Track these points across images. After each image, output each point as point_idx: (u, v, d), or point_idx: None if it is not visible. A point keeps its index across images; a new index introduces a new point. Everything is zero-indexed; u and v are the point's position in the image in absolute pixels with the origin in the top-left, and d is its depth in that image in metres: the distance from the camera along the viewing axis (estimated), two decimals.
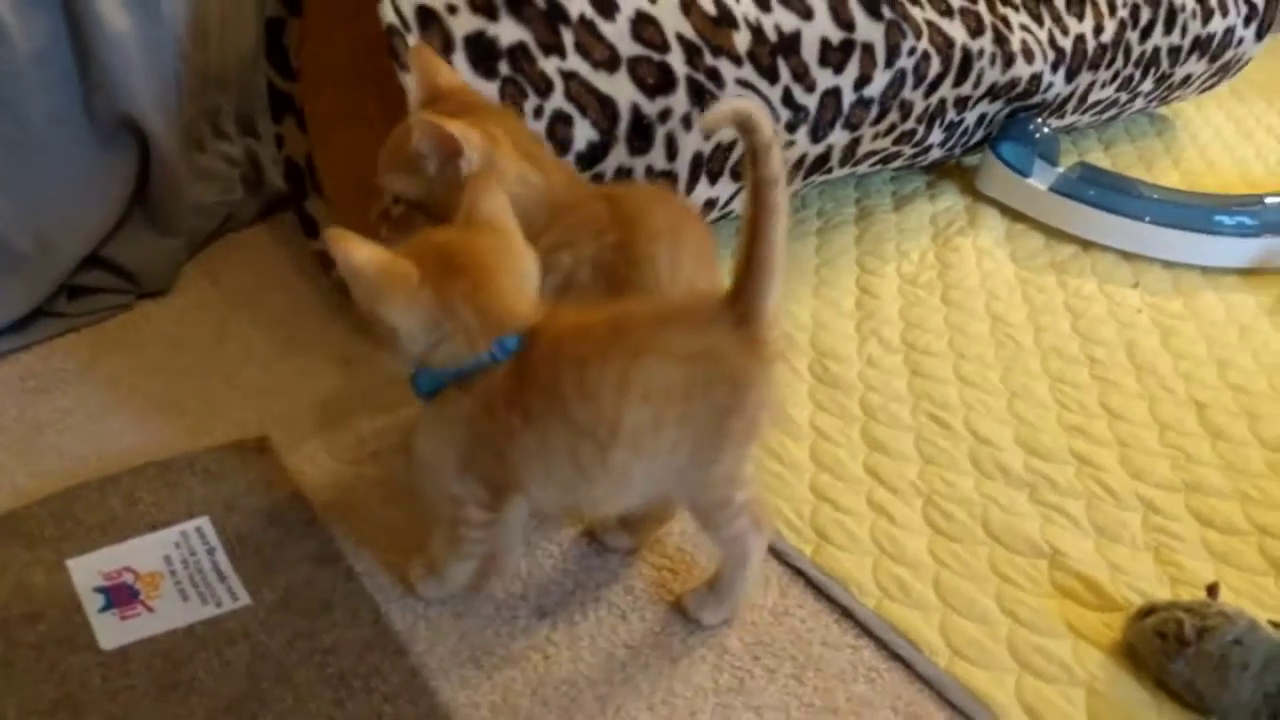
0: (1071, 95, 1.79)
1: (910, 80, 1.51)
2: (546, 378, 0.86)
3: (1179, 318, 1.51)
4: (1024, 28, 1.66)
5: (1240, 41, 2.02)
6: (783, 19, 1.38)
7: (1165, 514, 1.16)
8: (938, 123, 1.62)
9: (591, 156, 1.24)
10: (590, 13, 1.24)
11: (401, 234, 0.95)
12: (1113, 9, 1.78)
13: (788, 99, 1.39)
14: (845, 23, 1.43)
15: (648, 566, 1.05)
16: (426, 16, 1.16)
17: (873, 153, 1.59)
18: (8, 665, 0.90)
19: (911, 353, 1.39)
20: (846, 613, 1.02)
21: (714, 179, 1.37)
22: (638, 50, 1.26)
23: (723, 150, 1.35)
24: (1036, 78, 1.69)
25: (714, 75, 1.31)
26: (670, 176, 1.32)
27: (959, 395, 1.31)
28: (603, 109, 1.23)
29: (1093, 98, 1.85)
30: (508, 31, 1.19)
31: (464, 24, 1.17)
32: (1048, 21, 1.70)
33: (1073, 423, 1.28)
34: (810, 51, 1.40)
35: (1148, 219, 1.66)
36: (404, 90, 1.13)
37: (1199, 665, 0.93)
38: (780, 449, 1.20)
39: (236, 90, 1.52)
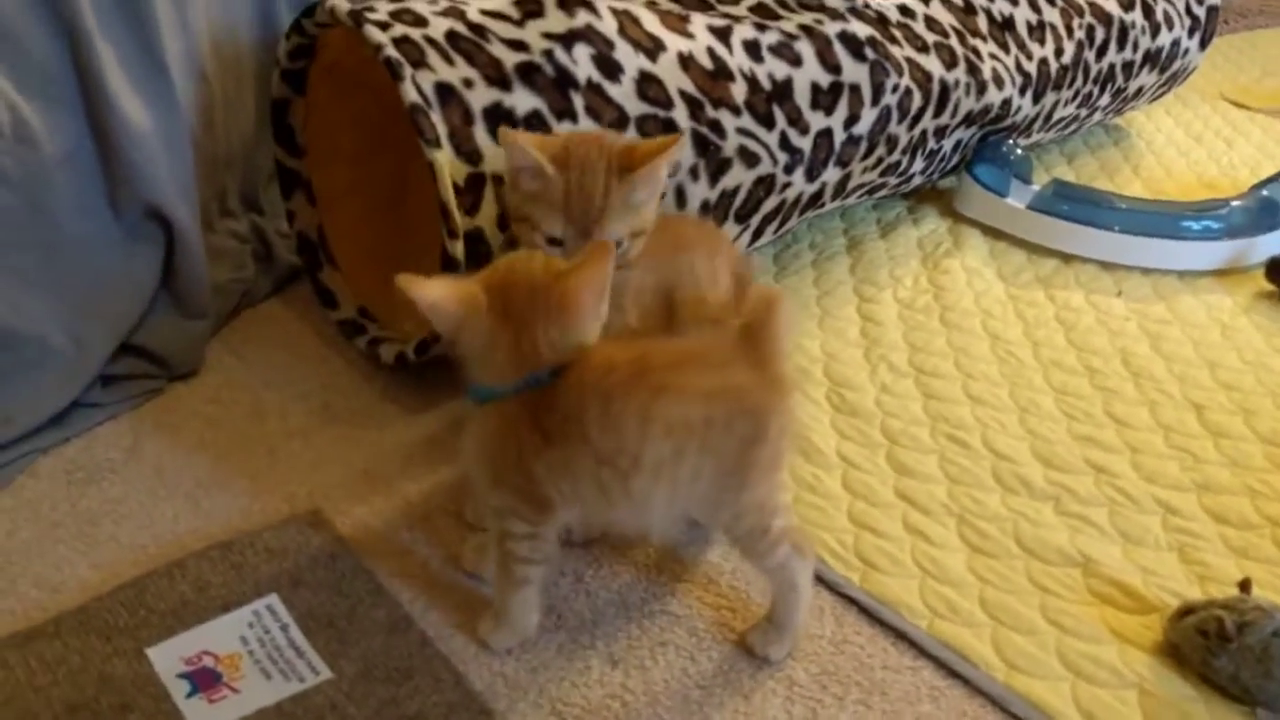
0: (1038, 115, 1.88)
1: (895, 115, 1.58)
2: (573, 406, 0.92)
3: (1164, 322, 1.59)
4: (993, 56, 1.74)
5: (1186, 52, 2.12)
6: (775, 68, 1.44)
7: (1183, 515, 1.22)
8: (919, 152, 1.69)
9: None
10: (597, 76, 1.29)
11: None
12: (1070, 32, 1.87)
13: (784, 143, 1.45)
14: (832, 66, 1.49)
15: (707, 608, 1.10)
16: (445, 92, 1.20)
17: (861, 185, 1.66)
18: None
19: (921, 376, 1.45)
20: (901, 635, 1.07)
21: (720, 223, 1.42)
22: (644, 109, 1.31)
23: (727, 196, 1.41)
24: (1007, 102, 1.77)
25: (716, 127, 1.37)
26: None
27: (973, 414, 1.37)
28: None
29: (1056, 115, 1.94)
30: (523, 101, 1.23)
31: (481, 97, 1.22)
32: (1013, 49, 1.78)
33: (1083, 433, 1.35)
34: (802, 96, 1.46)
35: (1118, 229, 1.74)
36: (425, 163, 1.17)
37: (1242, 659, 0.99)
38: (815, 481, 1.25)
39: (240, 169, 1.55)
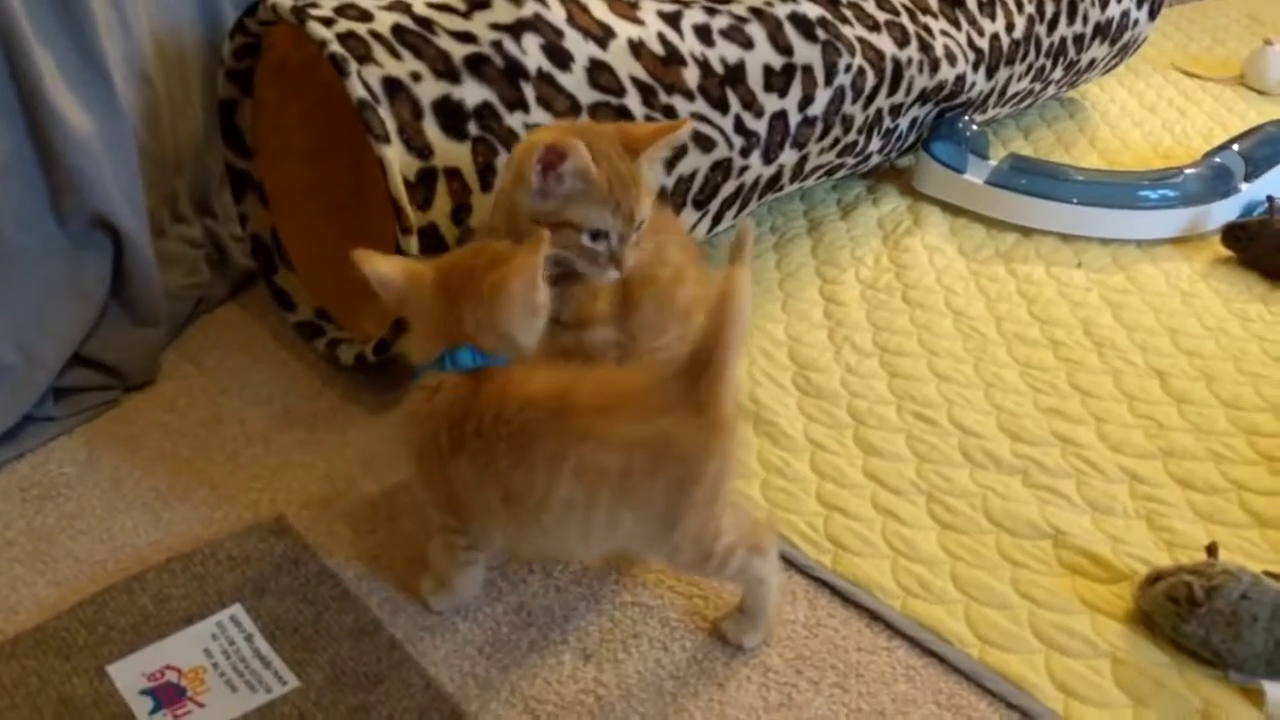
0: (992, 91, 1.88)
1: (849, 95, 1.57)
2: (487, 430, 0.91)
3: (1124, 291, 1.60)
4: (944, 33, 1.74)
5: (1136, 23, 2.13)
6: (726, 51, 1.43)
7: (1149, 482, 1.23)
8: (876, 131, 1.69)
9: None
10: (547, 66, 1.28)
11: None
12: (1020, 6, 1.88)
13: (739, 126, 1.44)
14: (784, 48, 1.49)
15: (679, 597, 1.09)
16: (393, 86, 1.18)
17: (819, 167, 1.65)
18: None
19: (886, 355, 1.44)
20: (875, 616, 1.07)
21: (678, 209, 1.41)
22: (596, 97, 1.30)
23: (684, 182, 1.40)
24: (960, 79, 1.76)
25: (670, 112, 1.36)
26: None
27: (938, 391, 1.37)
28: None
29: (1011, 90, 1.94)
30: (472, 93, 1.22)
31: (429, 90, 1.20)
32: (964, 25, 1.78)
33: (1048, 405, 1.35)
34: (755, 79, 1.45)
35: (1076, 201, 1.75)
36: (372, 158, 1.15)
37: (1212, 623, 0.99)
38: (782, 464, 1.24)
39: (190, 172, 1.52)
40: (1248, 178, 1.79)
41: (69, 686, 0.97)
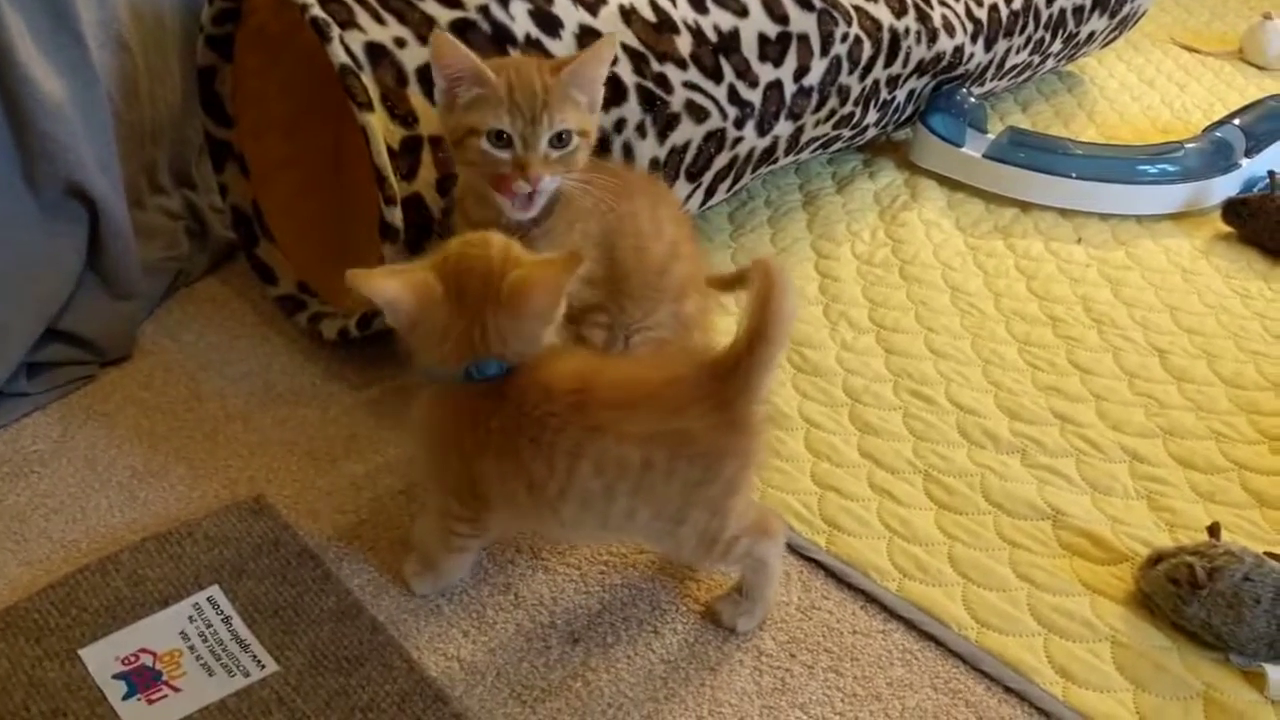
0: (990, 63, 1.84)
1: (845, 65, 1.54)
2: (510, 423, 0.88)
3: (1124, 268, 1.57)
4: (942, 3, 1.70)
5: None
6: (720, 19, 1.39)
7: (1150, 461, 1.20)
8: (872, 103, 1.65)
9: None
10: (536, 32, 1.24)
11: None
12: None
13: (733, 96, 1.40)
14: (779, 16, 1.45)
15: (669, 579, 1.06)
16: (376, 52, 1.14)
17: (814, 139, 1.61)
18: None
19: (882, 331, 1.41)
20: (871, 598, 1.04)
21: (671, 182, 1.38)
22: None
23: (677, 153, 1.36)
24: (959, 50, 1.73)
25: (662, 81, 1.32)
26: None
27: (935, 369, 1.34)
28: None
29: (1009, 63, 1.90)
30: None
31: (414, 57, 1.16)
32: None
33: (1047, 383, 1.32)
34: (750, 48, 1.42)
35: (1075, 175, 1.72)
36: (356, 127, 1.12)
37: (1213, 605, 0.97)
38: (777, 443, 1.21)
39: (169, 142, 1.48)
40: (1248, 153, 1.76)
41: (40, 670, 0.94)
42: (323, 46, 1.12)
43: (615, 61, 1.28)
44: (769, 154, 1.53)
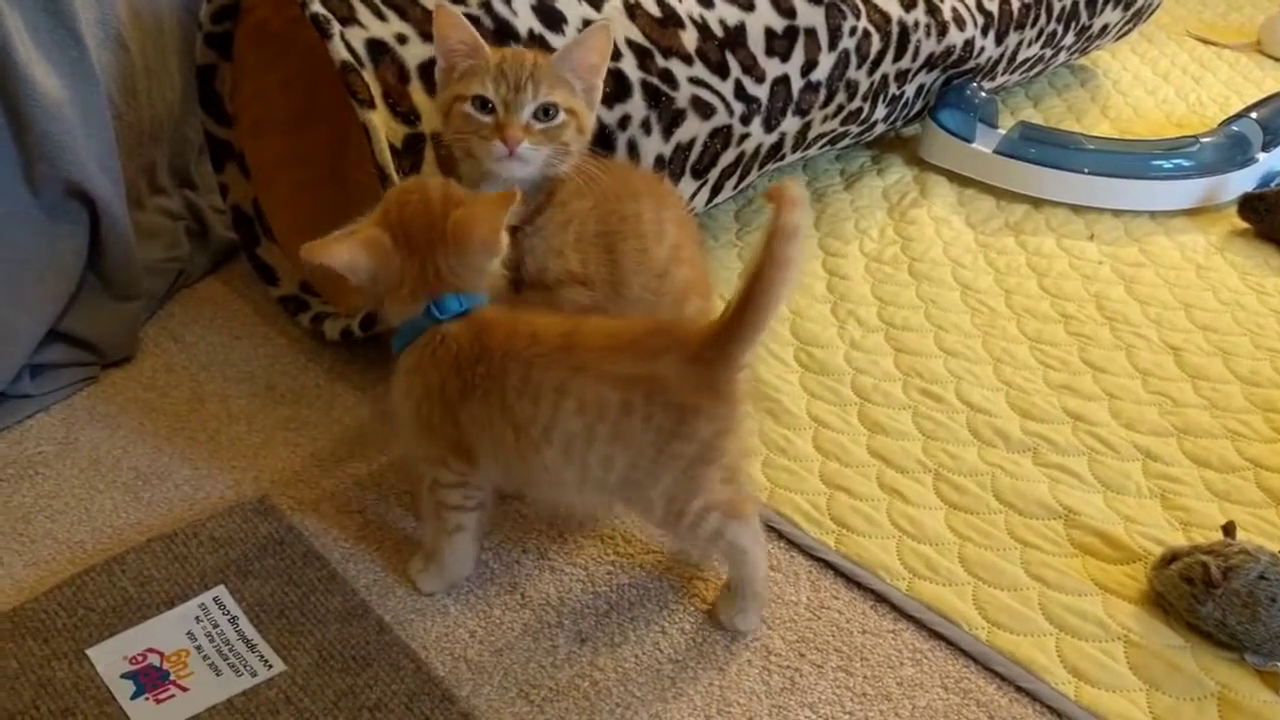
0: (1002, 57, 1.82)
1: (854, 60, 1.52)
2: (496, 367, 0.92)
3: (1137, 265, 1.55)
4: None
5: None
6: (726, 13, 1.38)
7: (1163, 460, 1.19)
8: (881, 98, 1.64)
9: None
10: (539, 27, 1.23)
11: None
12: None
13: (740, 92, 1.39)
14: (786, 10, 1.44)
15: (676, 578, 1.05)
16: (377, 49, 1.13)
17: (822, 135, 1.60)
18: None
19: (891, 330, 1.40)
20: (881, 598, 1.03)
21: (676, 179, 1.37)
22: None
23: (682, 150, 1.35)
24: (969, 43, 1.71)
25: (667, 77, 1.31)
26: None
27: (945, 367, 1.33)
28: None
29: (1021, 56, 1.89)
30: None
31: (416, 53, 1.15)
32: None
33: (1059, 381, 1.31)
34: (756, 42, 1.40)
35: (1088, 171, 1.70)
36: (358, 125, 1.11)
37: (1229, 605, 0.96)
38: (785, 443, 1.20)
39: (168, 142, 1.47)
40: (1265, 147, 1.73)
41: (48, 670, 0.94)
42: (323, 43, 1.11)
43: (619, 57, 1.27)
44: (776, 150, 1.52)
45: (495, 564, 1.06)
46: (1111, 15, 2.02)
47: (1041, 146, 1.73)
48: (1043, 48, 1.92)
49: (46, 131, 1.16)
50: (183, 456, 1.18)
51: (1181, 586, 0.98)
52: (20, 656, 0.95)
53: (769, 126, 1.46)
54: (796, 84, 1.46)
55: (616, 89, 1.26)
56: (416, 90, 1.14)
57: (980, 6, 1.73)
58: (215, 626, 0.98)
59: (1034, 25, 1.84)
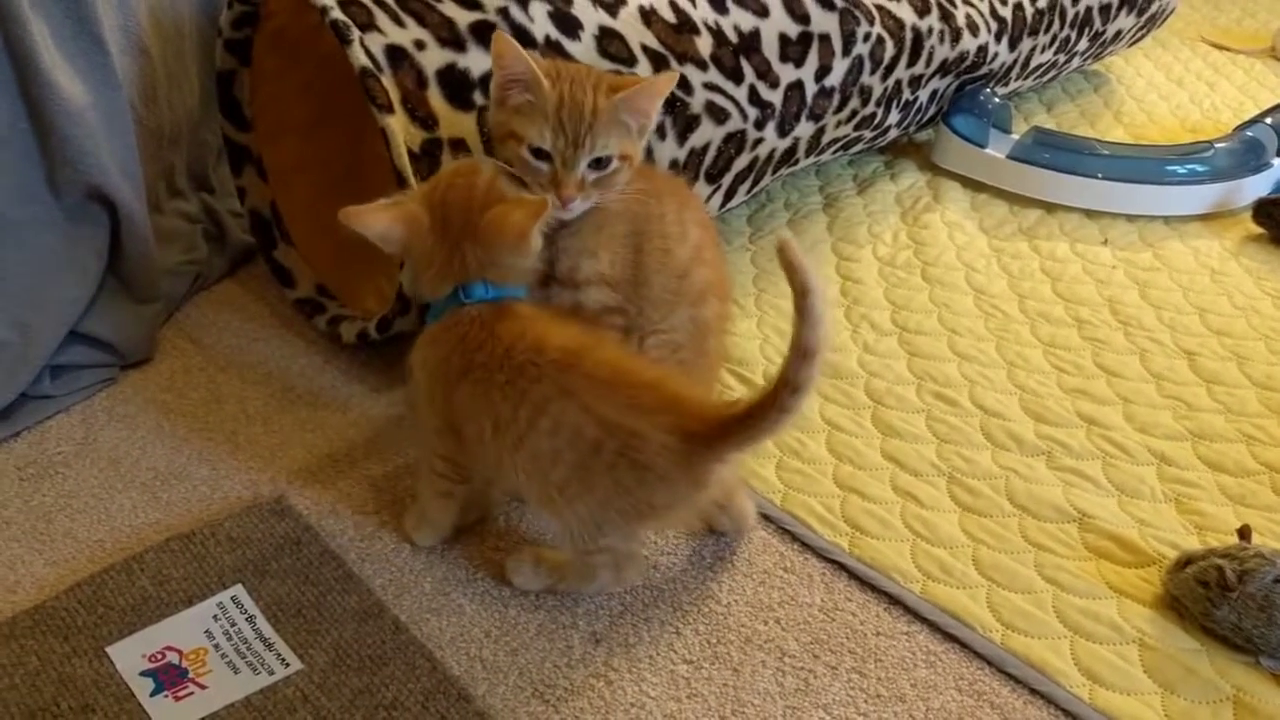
0: (1015, 62, 1.83)
1: (868, 65, 1.53)
2: (493, 360, 0.93)
3: (1152, 269, 1.55)
4: (966, 1, 1.69)
5: None
6: (740, 19, 1.39)
7: (1178, 464, 1.19)
8: (894, 104, 1.64)
9: None
10: (555, 33, 1.24)
11: None
12: None
13: (754, 97, 1.40)
14: (800, 16, 1.44)
15: (692, 580, 1.05)
16: (396, 55, 1.14)
17: (835, 140, 1.61)
18: None
19: (905, 334, 1.40)
20: (895, 600, 1.03)
21: (690, 183, 1.37)
22: (606, 66, 1.25)
23: (696, 155, 1.36)
24: (983, 49, 1.72)
25: (682, 82, 1.32)
26: None
27: (959, 371, 1.33)
28: None
29: (1034, 62, 1.89)
30: (477, 62, 1.18)
31: (434, 59, 1.16)
32: None
33: (1073, 385, 1.31)
34: (770, 48, 1.41)
35: (1101, 176, 1.70)
36: (374, 129, 1.12)
37: (1244, 608, 0.96)
38: (799, 446, 1.21)
39: (187, 146, 1.48)
40: None
41: (69, 667, 0.95)
42: (342, 49, 1.12)
43: (635, 62, 1.28)
44: (789, 155, 1.52)
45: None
46: (1125, 21, 2.02)
47: (1055, 151, 1.73)
48: (1056, 53, 1.92)
49: (69, 136, 1.17)
50: (201, 457, 1.19)
51: (1196, 590, 0.98)
52: (41, 654, 0.96)
53: (783, 132, 1.46)
54: (810, 89, 1.47)
55: None
56: (434, 96, 1.15)
57: (994, 12, 1.73)
58: (233, 625, 0.99)
59: (1047, 31, 1.84)
